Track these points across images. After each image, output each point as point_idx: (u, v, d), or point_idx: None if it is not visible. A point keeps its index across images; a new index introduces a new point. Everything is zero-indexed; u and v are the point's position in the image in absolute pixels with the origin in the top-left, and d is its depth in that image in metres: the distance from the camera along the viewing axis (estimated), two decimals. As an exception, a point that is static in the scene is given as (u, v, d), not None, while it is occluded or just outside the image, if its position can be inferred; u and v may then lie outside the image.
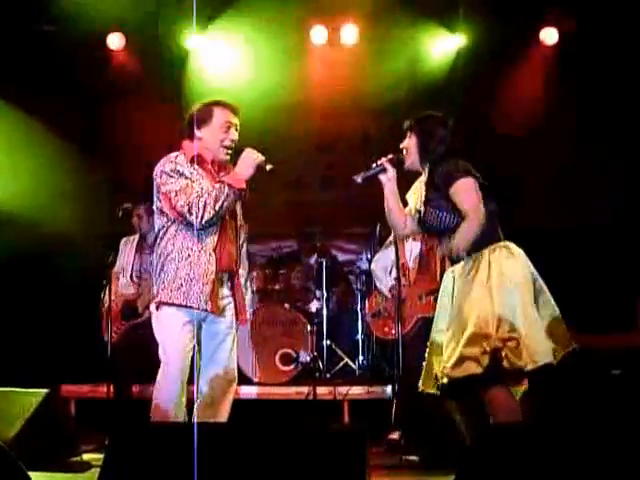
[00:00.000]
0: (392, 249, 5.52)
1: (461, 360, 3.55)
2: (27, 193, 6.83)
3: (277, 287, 6.88)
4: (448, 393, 3.71)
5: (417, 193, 3.95)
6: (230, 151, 3.96)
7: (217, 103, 4.00)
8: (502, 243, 3.73)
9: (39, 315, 6.74)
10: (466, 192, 3.69)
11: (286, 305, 6.76)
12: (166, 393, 3.85)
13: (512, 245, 3.75)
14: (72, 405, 6.19)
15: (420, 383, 3.81)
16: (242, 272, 4.10)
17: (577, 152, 6.94)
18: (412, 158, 3.88)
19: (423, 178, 3.92)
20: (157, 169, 3.92)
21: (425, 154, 3.84)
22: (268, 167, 3.88)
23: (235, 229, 4.04)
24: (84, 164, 7.19)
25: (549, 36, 7.26)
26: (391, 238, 5.67)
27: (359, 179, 3.92)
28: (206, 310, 3.87)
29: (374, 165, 3.92)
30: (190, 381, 3.94)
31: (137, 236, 5.91)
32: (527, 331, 3.55)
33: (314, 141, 7.49)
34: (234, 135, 3.97)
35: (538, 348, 3.56)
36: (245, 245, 4.16)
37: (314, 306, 6.94)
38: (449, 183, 3.70)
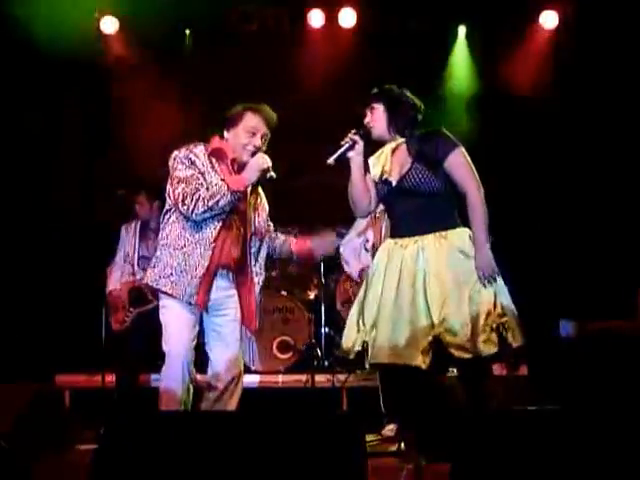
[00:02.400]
0: (362, 230, 5.48)
1: (475, 339, 3.59)
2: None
3: (274, 274, 6.85)
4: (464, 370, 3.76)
5: (383, 160, 3.91)
6: (253, 155, 3.93)
7: (251, 108, 3.99)
8: (464, 229, 3.76)
9: (34, 304, 6.73)
10: (464, 165, 3.74)
11: (283, 292, 6.74)
12: (170, 383, 3.88)
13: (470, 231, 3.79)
14: (67, 395, 6.14)
15: (393, 357, 3.67)
16: (257, 271, 4.05)
17: (577, 142, 6.95)
18: (381, 127, 3.88)
19: (392, 145, 3.90)
20: (173, 153, 3.95)
21: (395, 121, 3.86)
22: (268, 175, 3.88)
23: (243, 228, 3.99)
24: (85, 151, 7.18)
25: (549, 20, 7.25)
26: (362, 219, 5.65)
27: (330, 160, 3.88)
28: (190, 303, 3.86)
29: (342, 142, 3.88)
30: (201, 371, 4.03)
31: (138, 222, 5.84)
32: (508, 310, 3.65)
33: (313, 126, 7.44)
34: (258, 142, 3.95)
35: (517, 327, 3.65)
36: (262, 246, 4.09)
37: (312, 294, 6.92)
38: (444, 153, 3.72)
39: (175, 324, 3.90)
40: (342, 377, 6.02)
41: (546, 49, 7.30)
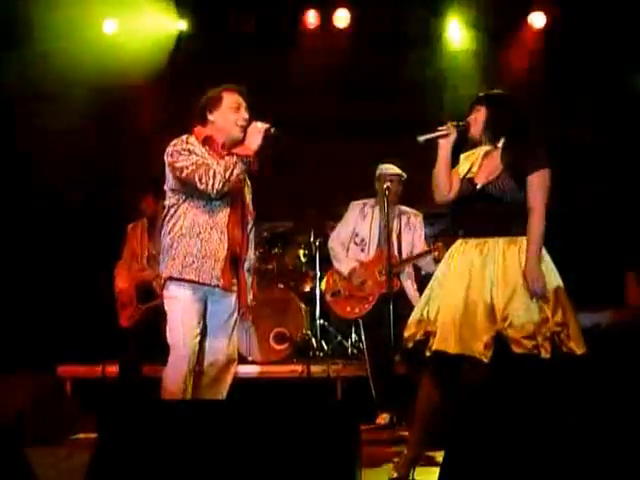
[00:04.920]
0: (350, 224, 5.70)
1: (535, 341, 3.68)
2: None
3: (270, 267, 6.93)
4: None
5: (473, 160, 4.02)
6: (244, 129, 4.03)
7: (225, 88, 4.10)
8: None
9: (38, 296, 6.79)
10: (541, 187, 3.83)
11: (280, 285, 6.81)
12: (174, 376, 3.93)
13: None
14: (68, 385, 6.22)
15: (460, 347, 3.74)
16: (249, 257, 4.17)
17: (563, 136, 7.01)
18: (479, 129, 3.98)
19: (486, 149, 4.00)
20: (168, 149, 3.99)
21: (491, 128, 3.96)
22: (272, 130, 3.97)
23: (242, 214, 4.10)
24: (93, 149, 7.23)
25: (537, 20, 7.34)
26: (348, 213, 5.76)
27: (421, 139, 3.98)
28: (218, 286, 3.95)
29: (439, 128, 3.99)
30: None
31: (145, 220, 5.94)
32: (571, 319, 3.74)
33: (307, 123, 7.50)
34: (245, 114, 4.07)
35: (580, 336, 3.75)
36: (252, 231, 4.23)
37: (307, 286, 7.00)
38: (531, 170, 3.81)
39: (182, 317, 3.95)
40: (337, 367, 6.11)
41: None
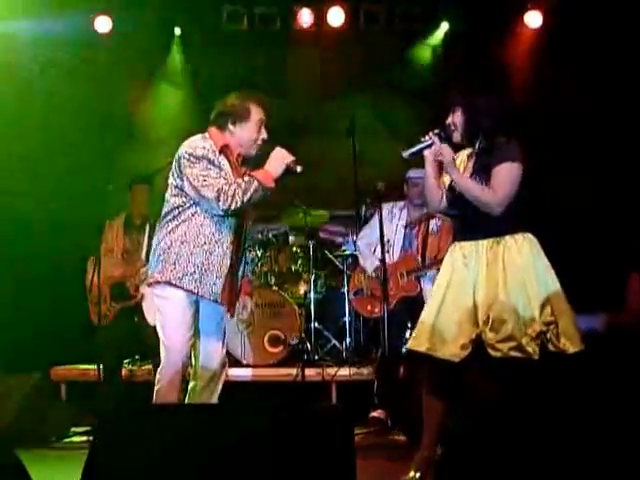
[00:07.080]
0: (377, 226, 5.62)
1: (512, 341, 3.65)
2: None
3: (265, 270, 6.92)
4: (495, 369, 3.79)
5: (458, 165, 3.96)
6: (260, 148, 4.00)
7: (253, 100, 3.99)
8: (522, 234, 3.81)
9: (28, 297, 6.78)
10: (505, 179, 3.75)
11: (274, 287, 6.81)
12: (168, 379, 3.88)
13: (531, 235, 3.84)
14: (62, 388, 6.22)
15: (430, 348, 3.76)
16: (243, 261, 4.15)
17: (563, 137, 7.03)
18: (461, 133, 3.90)
19: (467, 152, 3.97)
20: (185, 150, 3.89)
21: (473, 129, 3.87)
22: (299, 169, 3.92)
23: (243, 221, 4.05)
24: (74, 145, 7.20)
25: (533, 19, 7.35)
26: (377, 215, 5.77)
27: (405, 154, 3.93)
28: (217, 301, 3.91)
29: (422, 139, 3.92)
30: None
31: (122, 217, 5.93)
32: (562, 316, 3.69)
33: (300, 123, 7.51)
34: (265, 134, 4.00)
35: (574, 333, 3.70)
36: (247, 236, 4.20)
37: (302, 289, 6.99)
38: (497, 162, 3.75)
39: (177, 319, 3.89)
40: (332, 371, 6.10)
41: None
